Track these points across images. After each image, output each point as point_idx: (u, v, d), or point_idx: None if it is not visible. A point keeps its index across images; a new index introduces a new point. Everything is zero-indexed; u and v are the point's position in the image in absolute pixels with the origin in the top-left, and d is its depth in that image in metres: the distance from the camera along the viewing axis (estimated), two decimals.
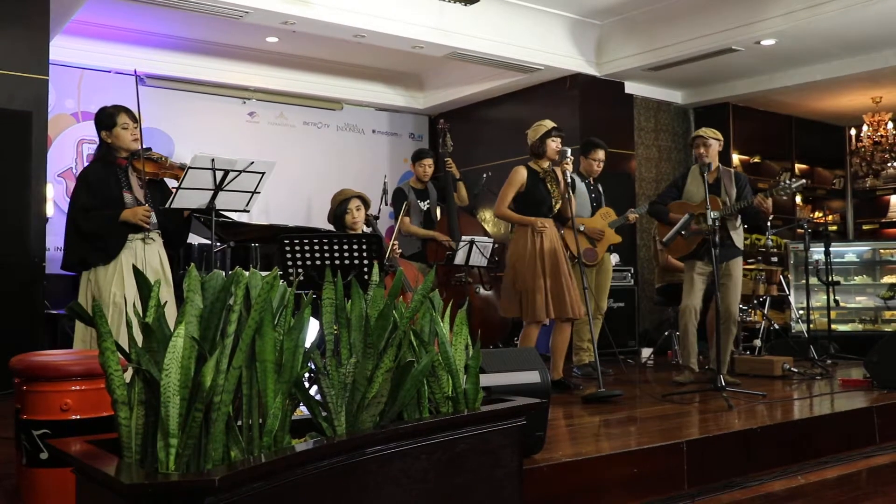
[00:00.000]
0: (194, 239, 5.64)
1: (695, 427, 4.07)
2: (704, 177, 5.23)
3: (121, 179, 4.13)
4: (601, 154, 6.27)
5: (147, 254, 4.15)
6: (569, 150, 5.10)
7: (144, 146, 4.15)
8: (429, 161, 6.83)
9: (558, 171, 5.17)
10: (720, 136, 5.71)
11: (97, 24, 7.14)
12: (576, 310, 5.07)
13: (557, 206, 5.21)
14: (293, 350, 2.10)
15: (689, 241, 5.52)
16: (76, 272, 4.19)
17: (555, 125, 5.20)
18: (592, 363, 6.02)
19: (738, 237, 5.64)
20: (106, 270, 4.05)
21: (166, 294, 4.09)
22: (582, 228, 6.03)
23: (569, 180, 5.07)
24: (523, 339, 5.12)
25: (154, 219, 4.16)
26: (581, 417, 4.35)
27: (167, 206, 4.34)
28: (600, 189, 6.36)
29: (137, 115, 4.17)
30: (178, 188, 4.23)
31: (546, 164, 5.21)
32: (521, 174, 5.16)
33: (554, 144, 5.15)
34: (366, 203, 5.16)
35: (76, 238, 4.08)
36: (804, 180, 5.99)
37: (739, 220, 5.67)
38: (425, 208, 6.81)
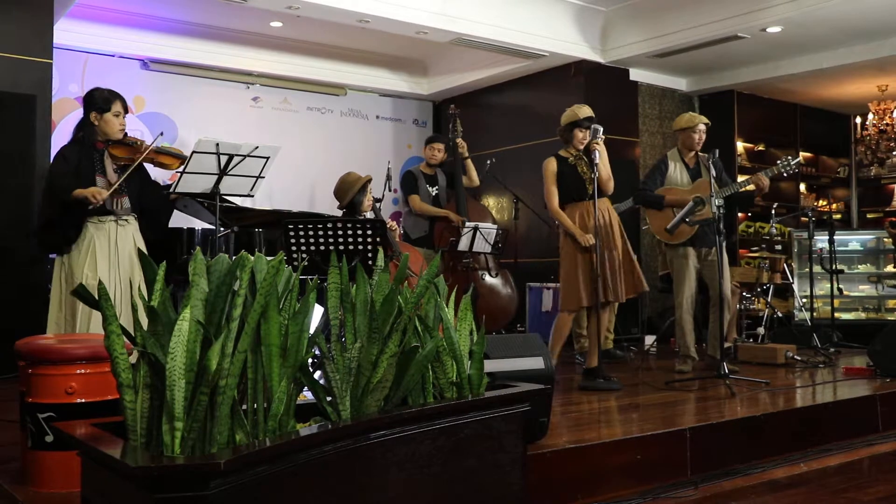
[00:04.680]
0: (198, 224, 5.64)
1: (698, 414, 4.07)
2: (709, 164, 5.25)
3: (95, 163, 4.12)
4: None
5: (120, 236, 4.13)
6: (601, 129, 4.91)
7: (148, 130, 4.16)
8: (439, 146, 6.83)
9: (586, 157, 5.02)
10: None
11: (102, 7, 7.10)
12: (618, 292, 4.95)
13: (591, 189, 5.00)
14: (298, 334, 2.10)
15: (690, 227, 5.51)
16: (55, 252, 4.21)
17: (587, 115, 5.01)
18: (610, 351, 6.20)
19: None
20: (79, 253, 4.06)
21: (138, 278, 4.06)
22: None
23: (596, 161, 4.87)
24: (557, 327, 5.03)
25: (128, 203, 4.16)
26: (584, 404, 4.36)
27: (171, 190, 4.34)
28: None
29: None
30: (181, 172, 4.23)
31: (575, 151, 5.07)
32: (551, 166, 5.04)
33: (581, 135, 5.00)
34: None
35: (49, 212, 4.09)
36: (800, 158, 5.99)
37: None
38: (434, 193, 6.81)
